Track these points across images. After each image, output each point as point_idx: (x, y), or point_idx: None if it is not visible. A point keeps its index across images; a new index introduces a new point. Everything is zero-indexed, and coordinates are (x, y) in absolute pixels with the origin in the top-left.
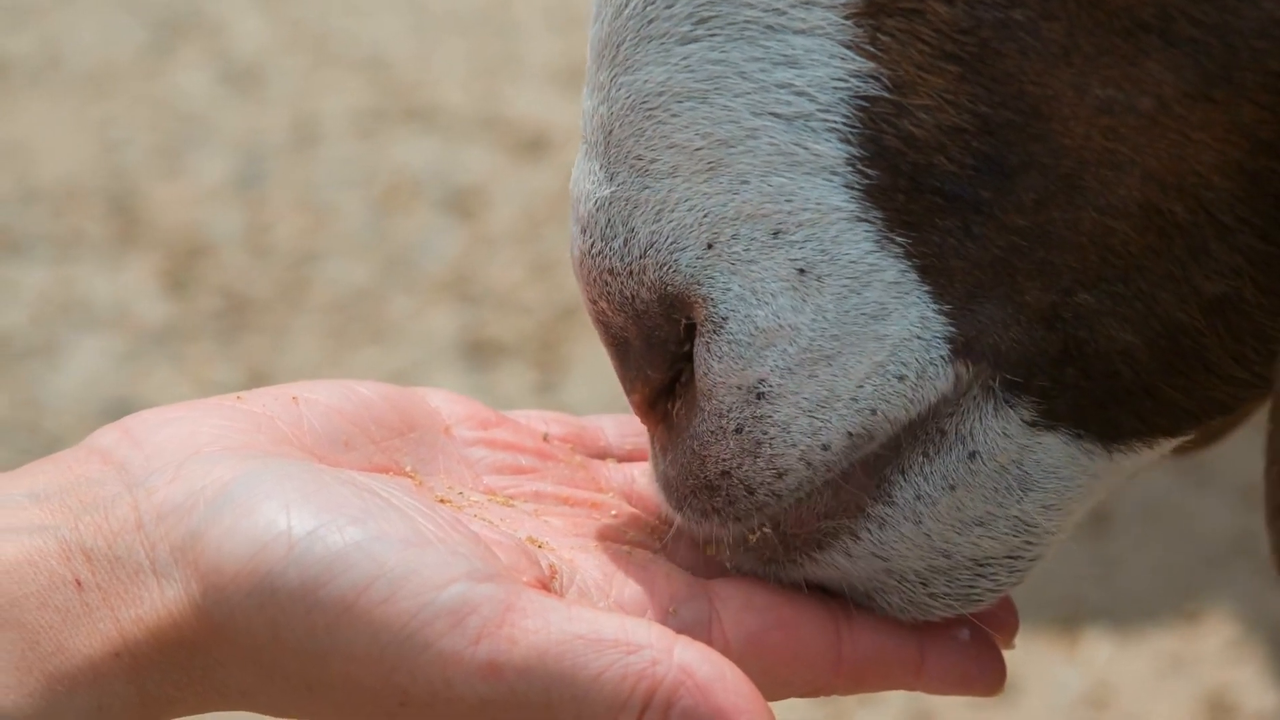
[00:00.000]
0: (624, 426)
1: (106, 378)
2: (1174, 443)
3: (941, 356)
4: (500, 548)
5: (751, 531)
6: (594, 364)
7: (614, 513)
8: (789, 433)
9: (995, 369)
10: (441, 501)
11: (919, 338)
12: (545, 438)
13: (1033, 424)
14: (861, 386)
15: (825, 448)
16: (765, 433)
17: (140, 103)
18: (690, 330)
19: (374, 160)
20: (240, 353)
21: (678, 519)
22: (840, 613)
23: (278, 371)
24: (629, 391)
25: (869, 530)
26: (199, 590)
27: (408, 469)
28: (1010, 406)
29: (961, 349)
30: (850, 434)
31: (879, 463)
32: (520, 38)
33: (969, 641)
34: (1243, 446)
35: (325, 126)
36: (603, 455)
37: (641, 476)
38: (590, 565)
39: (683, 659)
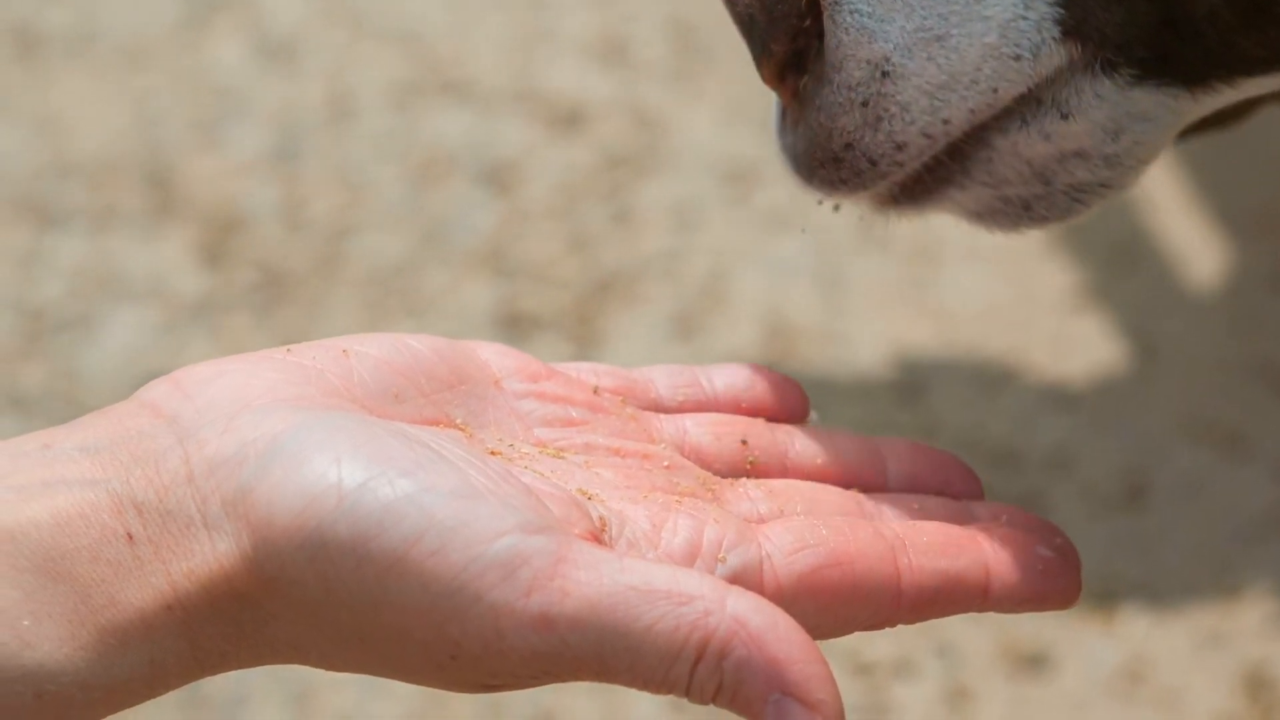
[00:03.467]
0: (675, 378)
1: (143, 350)
2: (1253, 82)
3: (1053, 37)
4: (552, 499)
5: (877, 197)
6: (629, 337)
7: (666, 463)
8: (909, 111)
9: (1099, 47)
10: (492, 454)
11: (1024, 18)
12: (595, 390)
13: (1125, 85)
14: (979, 68)
15: (946, 122)
16: (887, 109)
17: (176, 76)
18: (811, 3)
19: (410, 134)
20: (276, 326)
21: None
22: (898, 542)
23: None
24: (758, 67)
25: (979, 168)
26: (250, 544)
27: (458, 421)
28: (1107, 76)
29: (1071, 29)
30: (971, 110)
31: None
32: (556, 11)
33: (1037, 556)
34: None
35: (361, 100)
36: (654, 407)
37: (695, 427)
38: (640, 516)
39: (736, 610)
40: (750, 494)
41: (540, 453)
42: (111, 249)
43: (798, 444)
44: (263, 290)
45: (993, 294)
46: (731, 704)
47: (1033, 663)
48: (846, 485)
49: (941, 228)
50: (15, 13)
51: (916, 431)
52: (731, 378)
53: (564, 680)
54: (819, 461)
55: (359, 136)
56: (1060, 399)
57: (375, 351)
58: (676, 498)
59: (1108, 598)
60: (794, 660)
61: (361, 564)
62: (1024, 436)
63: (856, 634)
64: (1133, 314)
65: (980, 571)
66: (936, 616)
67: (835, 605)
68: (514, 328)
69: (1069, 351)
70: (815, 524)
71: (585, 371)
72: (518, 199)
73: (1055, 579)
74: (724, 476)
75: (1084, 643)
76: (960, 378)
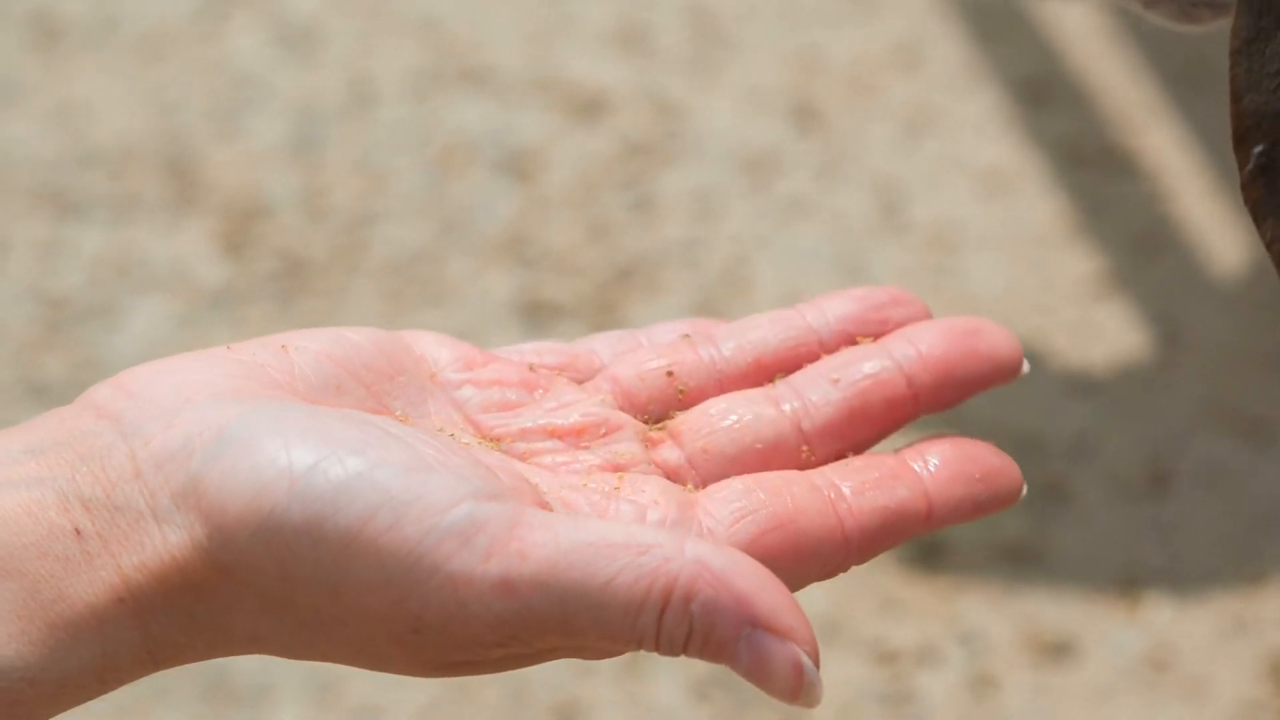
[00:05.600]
0: (618, 344)
1: (164, 339)
2: None
3: None
4: (501, 470)
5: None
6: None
7: (603, 430)
8: None
9: None
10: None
11: None
12: (531, 368)
13: None
14: None
15: None
16: None
17: (195, 65)
18: None
19: (429, 123)
20: (298, 315)
21: None
22: (833, 488)
23: None
24: None
25: None
26: (204, 534)
27: (398, 414)
28: None
29: None
30: None
31: None
32: (575, 0)
33: (972, 462)
34: None
35: (380, 89)
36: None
37: (623, 371)
38: (582, 505)
39: (696, 553)
40: (682, 447)
41: (479, 444)
42: (132, 238)
43: (725, 350)
44: (283, 279)
45: (1013, 280)
46: (703, 649)
47: (1056, 651)
48: (786, 370)
49: (961, 214)
50: (34, 2)
51: (938, 419)
52: (667, 334)
53: (531, 649)
54: (748, 364)
55: (379, 125)
56: (1082, 386)
57: (314, 345)
58: (616, 482)
59: (1131, 585)
60: (761, 593)
61: (318, 545)
62: (1046, 424)
63: (878, 624)
64: (1156, 301)
65: (920, 498)
66: (885, 550)
67: (784, 566)
68: (535, 316)
69: (1091, 338)
70: (752, 488)
71: (527, 352)
72: (538, 187)
73: (995, 482)
74: (657, 418)
75: (1107, 631)
76: None
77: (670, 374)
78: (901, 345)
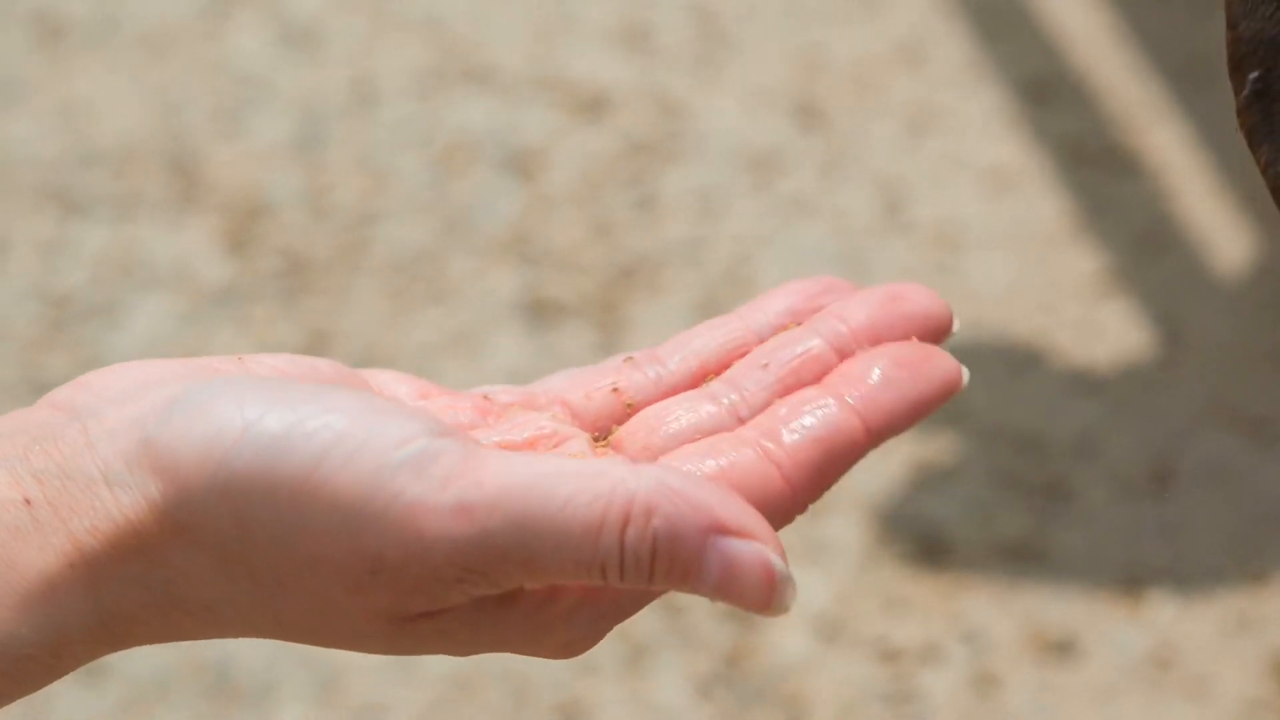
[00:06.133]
0: (571, 377)
1: (167, 338)
2: None
3: None
4: (452, 422)
5: None
6: (655, 324)
7: (554, 443)
8: None
9: None
10: None
11: None
12: (485, 397)
13: None
14: None
15: None
16: None
17: (199, 64)
18: None
19: (432, 121)
20: (301, 313)
21: None
22: (768, 440)
23: (339, 332)
24: None
25: None
26: (158, 491)
27: None
28: None
29: None
30: None
31: None
32: None
33: (901, 365)
34: None
35: (383, 87)
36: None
37: (570, 393)
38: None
39: (651, 473)
40: (624, 451)
41: None
42: (135, 237)
43: (670, 364)
44: (286, 277)
45: (1016, 279)
46: (670, 568)
47: (1060, 649)
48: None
49: (964, 213)
50: (37, 1)
51: (942, 416)
52: (614, 362)
53: (494, 587)
54: (692, 373)
55: (382, 124)
56: (1086, 384)
57: (272, 360)
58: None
59: (1134, 584)
60: (721, 502)
61: (272, 489)
62: (1049, 422)
63: (881, 623)
64: (1159, 300)
65: (854, 423)
66: (835, 480)
67: None
68: (538, 314)
69: (1095, 337)
70: (692, 475)
71: (483, 389)
72: (541, 186)
73: (924, 372)
74: (607, 433)
75: (1110, 629)
76: (985, 363)
77: (616, 390)
78: (828, 321)
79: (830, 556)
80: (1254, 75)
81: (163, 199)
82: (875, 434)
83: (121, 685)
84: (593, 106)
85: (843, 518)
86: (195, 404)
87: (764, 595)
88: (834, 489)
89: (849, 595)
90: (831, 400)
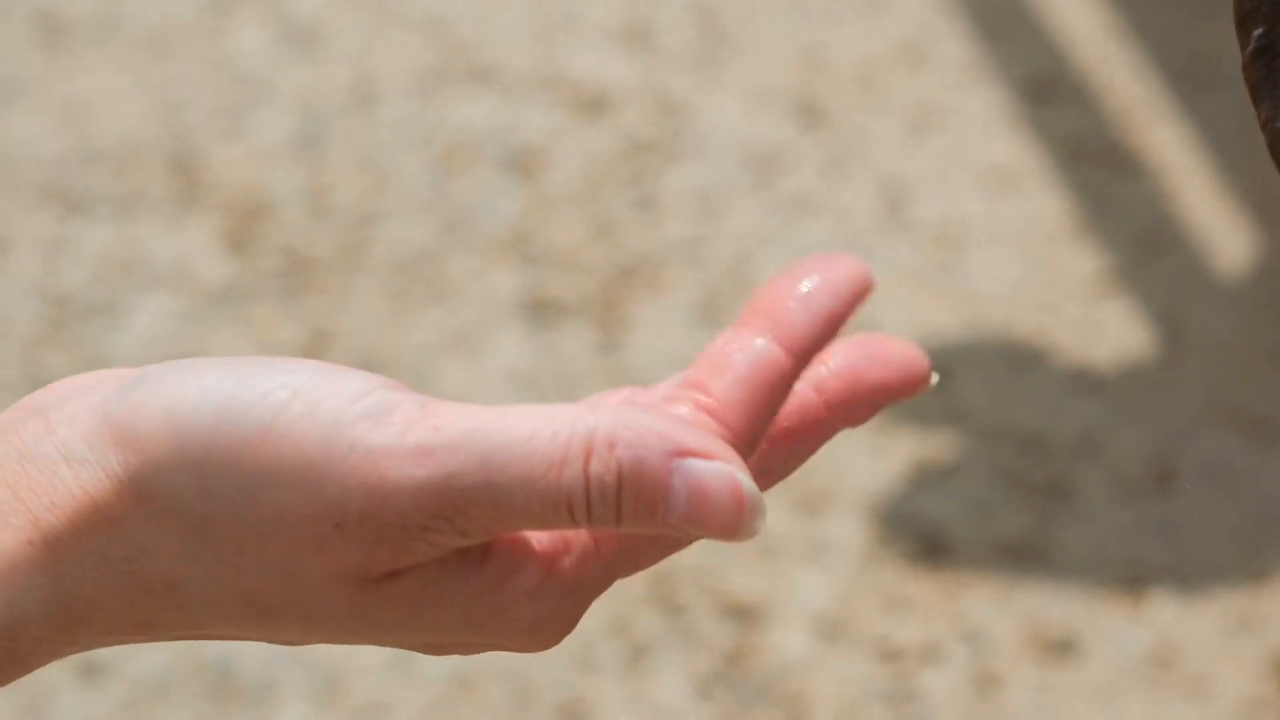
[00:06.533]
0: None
1: (168, 337)
2: None
3: None
4: None
5: None
6: (656, 324)
7: None
8: None
9: None
10: None
11: None
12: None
13: None
14: None
15: None
16: None
17: (200, 63)
18: None
19: (434, 120)
20: (302, 312)
21: None
22: (698, 393)
23: (339, 331)
24: None
25: None
26: (118, 463)
27: None
28: None
29: None
30: None
31: None
32: None
33: (814, 290)
34: None
35: (385, 87)
36: None
37: None
38: None
39: (609, 409)
40: None
41: None
42: (136, 236)
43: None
44: (287, 277)
45: (1018, 278)
46: (636, 497)
47: (1060, 648)
48: None
49: (966, 212)
50: (40, 0)
51: (943, 416)
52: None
53: (463, 535)
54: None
55: (383, 123)
56: (1087, 384)
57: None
58: None
59: (1135, 583)
60: (683, 428)
61: (233, 446)
62: (1051, 421)
63: (881, 622)
64: (1160, 299)
65: (774, 351)
66: (771, 417)
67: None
68: (539, 314)
69: (1095, 336)
70: (650, 410)
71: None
72: (542, 185)
73: (843, 295)
74: None
75: (1112, 628)
76: (986, 362)
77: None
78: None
79: (831, 556)
80: (1258, 32)
81: (163, 198)
82: (799, 355)
83: (122, 685)
84: (594, 106)
85: (843, 517)
86: (153, 379)
87: (734, 517)
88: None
89: (849, 595)
90: (750, 336)
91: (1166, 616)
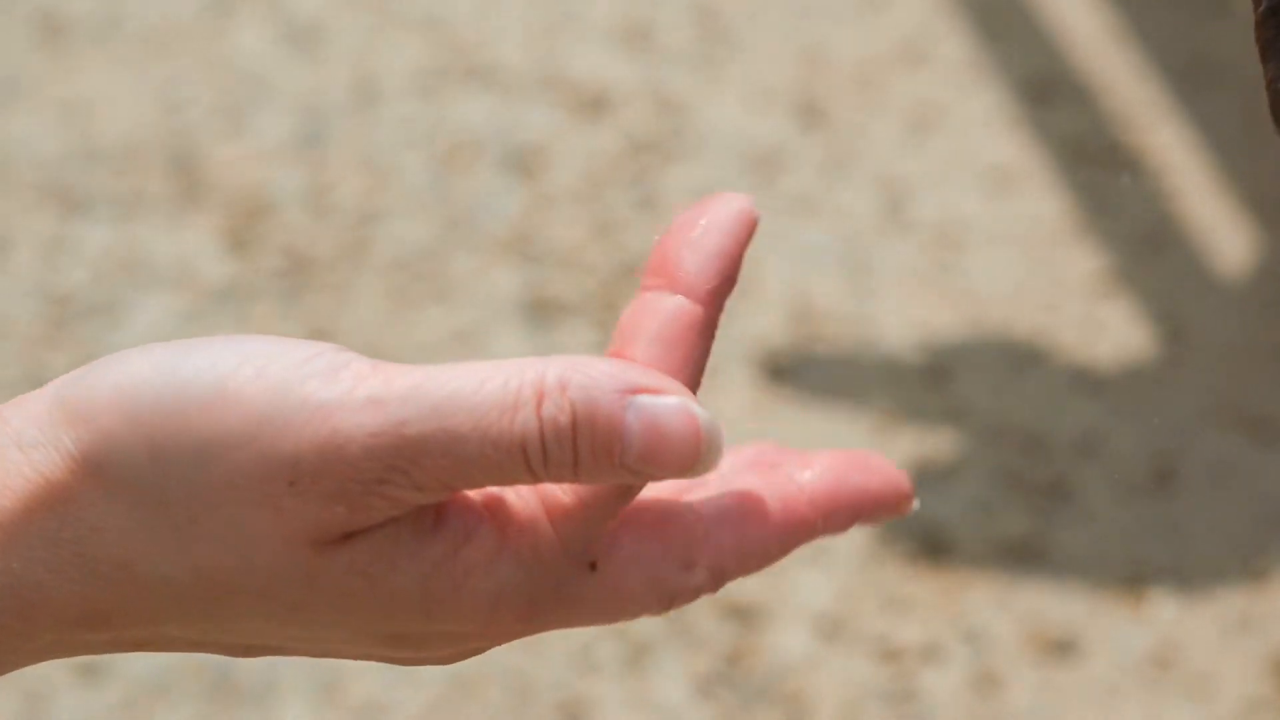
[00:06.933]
0: None
1: (169, 336)
2: None
3: None
4: None
5: None
6: None
7: None
8: None
9: None
10: None
11: None
12: None
13: None
14: None
15: None
16: None
17: (201, 62)
18: None
19: (435, 120)
20: (303, 312)
21: None
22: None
23: (340, 330)
24: None
25: None
26: (71, 440)
27: None
28: None
29: None
30: None
31: None
32: None
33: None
34: None
35: (386, 86)
36: None
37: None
38: None
39: (557, 357)
40: None
41: None
42: (137, 235)
43: None
44: (288, 276)
45: (1019, 278)
46: (592, 437)
47: (1061, 648)
48: None
49: (966, 211)
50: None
51: (944, 415)
52: None
53: (417, 489)
54: None
55: (384, 122)
56: (1088, 383)
57: None
58: None
59: (1136, 583)
60: (633, 368)
61: (184, 409)
62: (1051, 421)
63: (882, 622)
64: (1161, 298)
65: (679, 301)
66: (698, 365)
67: None
68: (540, 313)
69: (1096, 336)
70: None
71: None
72: (543, 184)
73: (730, 231)
74: None
75: (1112, 628)
76: (987, 362)
77: None
78: (790, 460)
79: (831, 556)
80: None
81: (164, 197)
82: (704, 297)
83: (121, 685)
84: (594, 105)
85: None
86: (104, 362)
87: (692, 448)
88: None
89: (850, 594)
90: (652, 296)
91: (1167, 616)
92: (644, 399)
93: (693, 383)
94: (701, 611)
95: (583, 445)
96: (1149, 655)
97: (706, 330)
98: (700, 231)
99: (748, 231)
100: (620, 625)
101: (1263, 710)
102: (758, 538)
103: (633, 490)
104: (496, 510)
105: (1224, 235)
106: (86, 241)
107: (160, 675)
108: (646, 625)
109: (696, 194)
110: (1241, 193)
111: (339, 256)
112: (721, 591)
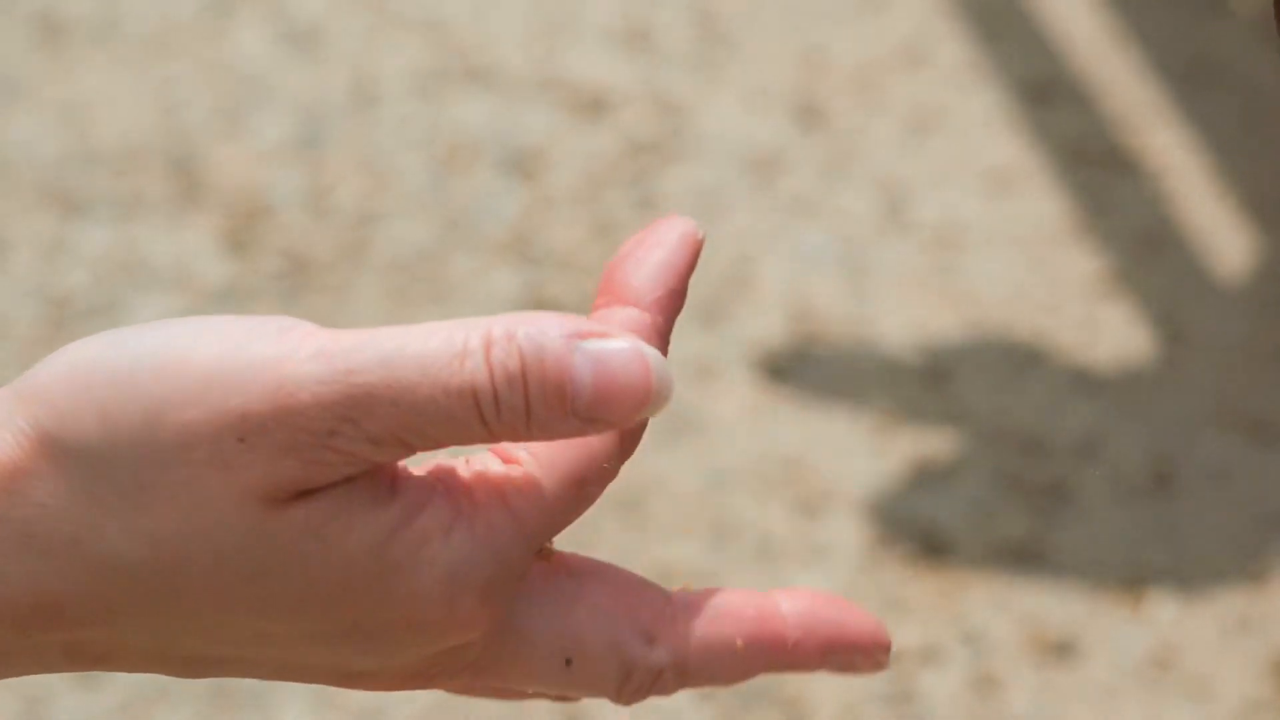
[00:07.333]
0: None
1: None
2: None
3: None
4: None
5: None
6: None
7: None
8: None
9: None
10: None
11: None
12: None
13: None
14: None
15: None
16: None
17: (200, 64)
18: None
19: (434, 121)
20: (302, 313)
21: None
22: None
23: None
24: None
25: None
26: (24, 419)
27: None
28: None
29: None
30: None
31: None
32: None
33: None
34: None
35: (385, 87)
36: None
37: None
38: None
39: (503, 314)
40: None
41: None
42: (136, 237)
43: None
44: (288, 277)
45: (1019, 279)
46: (542, 381)
47: (1060, 650)
48: None
49: (966, 213)
50: (38, 0)
51: (943, 416)
52: None
53: (370, 441)
54: None
55: (383, 123)
56: (1087, 385)
57: None
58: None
59: (1135, 584)
60: (578, 317)
61: (134, 376)
62: (1051, 422)
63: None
64: (1160, 300)
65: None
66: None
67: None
68: None
69: (1096, 337)
70: None
71: None
72: (542, 186)
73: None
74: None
75: (1111, 629)
76: (986, 363)
77: None
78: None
79: (830, 557)
80: None
81: (163, 199)
82: (652, 306)
83: (122, 685)
84: (594, 106)
85: (842, 518)
86: (62, 349)
87: (644, 386)
88: (834, 490)
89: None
90: (604, 313)
91: (1166, 617)
92: (592, 342)
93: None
94: None
95: (533, 390)
96: (1148, 656)
97: (656, 338)
98: (645, 249)
99: (692, 250)
100: None
101: (1262, 711)
102: (727, 636)
103: (589, 495)
104: (451, 485)
105: (1224, 236)
106: (86, 242)
107: (159, 678)
108: None
109: (696, 195)
110: (1241, 193)
111: (338, 257)
112: None
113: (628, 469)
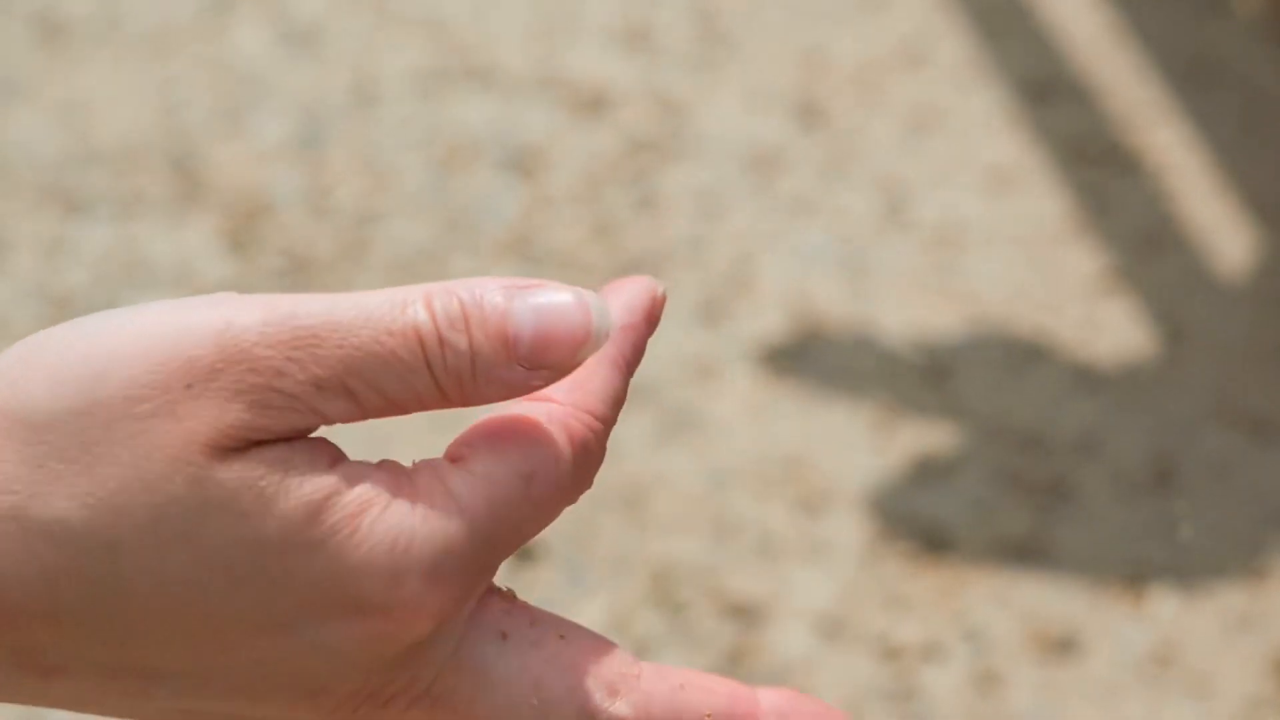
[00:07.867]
0: None
1: None
2: None
3: None
4: None
5: None
6: None
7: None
8: None
9: None
10: None
11: None
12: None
13: None
14: None
15: None
16: None
17: (201, 63)
18: None
19: (434, 120)
20: None
21: None
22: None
23: None
24: None
25: None
26: None
27: None
28: None
29: None
30: None
31: None
32: None
33: None
34: None
35: (385, 87)
36: None
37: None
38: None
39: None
40: None
41: None
42: (136, 236)
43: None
44: (288, 276)
45: (1019, 277)
46: (484, 322)
47: (1061, 646)
48: None
49: (966, 212)
50: (40, 0)
51: (943, 414)
52: None
53: (316, 386)
54: None
55: (383, 123)
56: (1088, 382)
57: None
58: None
59: (1136, 581)
60: (509, 276)
61: (84, 340)
62: (1051, 420)
63: (883, 620)
64: (1160, 298)
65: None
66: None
67: None
68: None
69: (1096, 335)
70: None
71: None
72: (542, 185)
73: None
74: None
75: (1113, 626)
76: (987, 361)
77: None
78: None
79: (832, 554)
80: None
81: (164, 198)
82: (619, 335)
83: None
84: (594, 106)
85: (843, 516)
86: (24, 340)
87: (583, 320)
88: (835, 488)
89: (850, 593)
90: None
91: (1167, 615)
92: (527, 291)
93: (606, 411)
94: (702, 610)
95: (475, 332)
96: (1149, 653)
97: (618, 363)
98: (608, 292)
99: (652, 299)
100: (621, 624)
101: (1263, 708)
102: (694, 706)
103: (537, 496)
104: (392, 467)
105: (1224, 234)
106: (86, 242)
107: None
108: (648, 624)
109: (696, 194)
110: (1241, 192)
111: (339, 257)
112: (722, 589)
113: (628, 467)
